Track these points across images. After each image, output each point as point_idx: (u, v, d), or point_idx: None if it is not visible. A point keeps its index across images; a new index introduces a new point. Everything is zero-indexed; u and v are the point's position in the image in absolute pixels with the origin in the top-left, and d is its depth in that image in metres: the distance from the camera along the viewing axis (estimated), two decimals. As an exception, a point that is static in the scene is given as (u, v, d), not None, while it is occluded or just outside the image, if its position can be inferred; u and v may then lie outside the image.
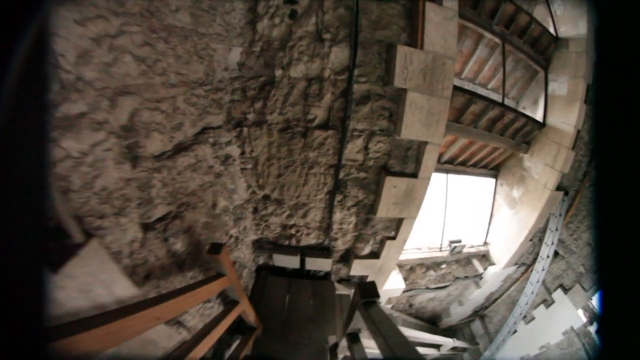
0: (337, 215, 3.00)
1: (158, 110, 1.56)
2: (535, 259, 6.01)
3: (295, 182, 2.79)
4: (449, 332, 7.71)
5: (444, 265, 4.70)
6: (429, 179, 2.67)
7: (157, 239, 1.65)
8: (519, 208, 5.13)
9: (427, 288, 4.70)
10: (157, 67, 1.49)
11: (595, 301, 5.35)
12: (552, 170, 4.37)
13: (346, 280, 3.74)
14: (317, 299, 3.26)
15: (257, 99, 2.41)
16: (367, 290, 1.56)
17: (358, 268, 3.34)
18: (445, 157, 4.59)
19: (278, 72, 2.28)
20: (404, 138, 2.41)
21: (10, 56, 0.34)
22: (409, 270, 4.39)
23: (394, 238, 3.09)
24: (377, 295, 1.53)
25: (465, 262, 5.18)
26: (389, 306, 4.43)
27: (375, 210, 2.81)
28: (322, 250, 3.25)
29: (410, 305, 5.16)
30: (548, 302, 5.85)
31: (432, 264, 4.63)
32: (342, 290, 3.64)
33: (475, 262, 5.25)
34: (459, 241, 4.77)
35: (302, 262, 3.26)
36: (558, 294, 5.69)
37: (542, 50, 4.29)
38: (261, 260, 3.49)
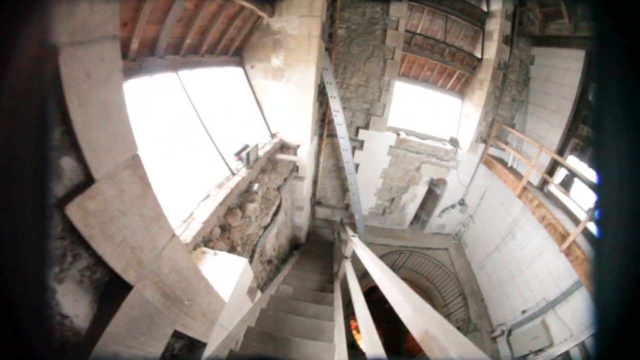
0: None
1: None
2: (320, 125, 5.88)
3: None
4: (313, 237, 7.41)
5: (255, 186, 3.14)
6: None
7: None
8: (289, 73, 4.21)
9: (265, 228, 3.13)
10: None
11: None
12: (310, 18, 3.77)
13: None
14: None
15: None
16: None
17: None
18: (164, 44, 2.42)
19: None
20: None
21: (10, 57, 0.33)
22: (223, 233, 2.49)
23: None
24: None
25: (272, 166, 3.91)
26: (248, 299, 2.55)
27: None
28: None
29: (270, 262, 3.59)
30: (358, 146, 6.18)
31: (241, 197, 2.95)
32: None
33: (282, 156, 4.12)
34: (246, 147, 3.20)
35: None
36: (362, 134, 6.09)
37: None
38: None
